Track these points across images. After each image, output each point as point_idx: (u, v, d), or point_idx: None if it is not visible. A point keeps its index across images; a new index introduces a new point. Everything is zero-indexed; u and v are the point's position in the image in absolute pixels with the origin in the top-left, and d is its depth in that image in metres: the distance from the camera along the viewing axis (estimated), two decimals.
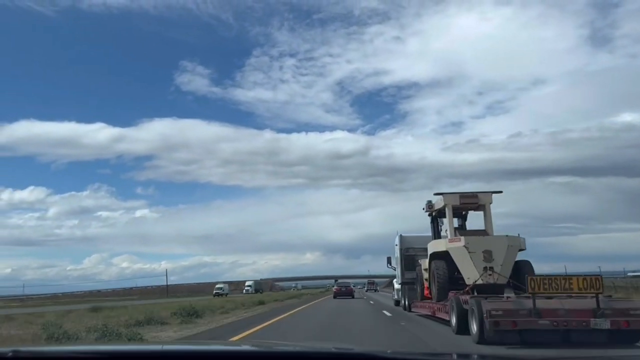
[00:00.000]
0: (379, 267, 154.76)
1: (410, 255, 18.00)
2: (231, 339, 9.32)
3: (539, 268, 13.29)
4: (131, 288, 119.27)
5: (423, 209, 14.51)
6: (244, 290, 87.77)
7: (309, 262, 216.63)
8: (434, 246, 12.77)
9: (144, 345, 3.88)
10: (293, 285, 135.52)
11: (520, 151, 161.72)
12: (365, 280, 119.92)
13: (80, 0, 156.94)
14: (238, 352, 2.21)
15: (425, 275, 14.19)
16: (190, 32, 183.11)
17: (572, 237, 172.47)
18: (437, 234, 14.58)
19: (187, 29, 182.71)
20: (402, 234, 19.01)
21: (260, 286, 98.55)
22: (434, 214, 14.54)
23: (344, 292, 35.84)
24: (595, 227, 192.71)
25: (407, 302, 17.89)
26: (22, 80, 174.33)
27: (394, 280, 23.39)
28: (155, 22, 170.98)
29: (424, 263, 14.36)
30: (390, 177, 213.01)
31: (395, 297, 22.71)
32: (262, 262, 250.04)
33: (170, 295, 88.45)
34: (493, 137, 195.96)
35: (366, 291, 76.65)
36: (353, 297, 35.56)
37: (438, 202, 13.48)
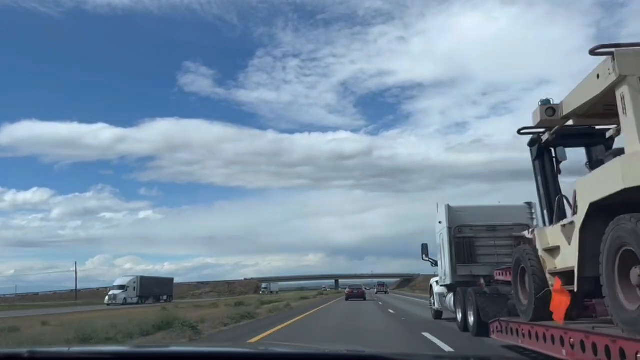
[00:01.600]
0: (382, 268, 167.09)
1: (466, 238, 12.34)
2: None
3: None
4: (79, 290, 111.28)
5: (518, 131, 7.64)
6: (107, 299, 50.49)
7: (312, 264, 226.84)
8: (620, 175, 4.79)
9: (160, 347, 4.03)
10: (263, 286, 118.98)
11: (526, 151, 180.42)
12: (369, 281, 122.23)
13: (85, 2, 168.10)
14: (249, 355, 2.26)
15: (554, 261, 6.43)
16: (194, 33, 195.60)
17: None
18: (548, 179, 7.37)
19: (191, 30, 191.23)
20: (451, 205, 12.70)
21: (160, 289, 59.71)
22: (544, 138, 7.25)
23: (356, 294, 39.68)
24: None
25: (474, 319, 10.22)
26: (24, 81, 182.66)
27: (433, 280, 15.95)
28: (160, 23, 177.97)
29: (545, 235, 6.67)
30: (394, 177, 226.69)
31: (436, 306, 15.49)
32: (265, 263, 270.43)
33: (85, 301, 64.28)
34: (497, 138, 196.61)
35: (376, 293, 74.20)
36: (365, 299, 38.00)
37: (590, 84, 5.73)
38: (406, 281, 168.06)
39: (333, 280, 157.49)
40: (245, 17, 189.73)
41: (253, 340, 10.11)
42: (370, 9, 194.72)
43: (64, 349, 2.66)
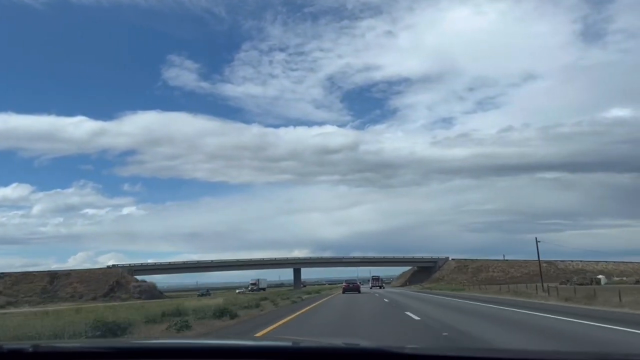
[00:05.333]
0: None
1: None
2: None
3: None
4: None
5: None
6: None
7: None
8: None
9: (162, 340, 4.27)
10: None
11: (511, 146, 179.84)
12: (353, 273, 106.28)
13: None
14: (250, 348, 2.35)
15: None
16: (181, 26, 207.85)
17: (559, 234, 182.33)
18: None
19: (178, 22, 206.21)
20: None
21: None
22: None
23: (352, 288, 45.64)
24: (583, 223, 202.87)
25: None
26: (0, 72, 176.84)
27: None
28: (146, 14, 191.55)
29: None
30: (379, 172, 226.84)
31: None
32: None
33: None
34: (483, 132, 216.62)
35: (370, 288, 68.00)
36: (359, 292, 43.39)
37: None
38: (423, 270, 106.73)
39: (291, 270, 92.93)
40: (234, 10, 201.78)
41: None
42: (359, 2, 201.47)
43: (66, 343, 3.05)
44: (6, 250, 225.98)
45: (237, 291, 70.37)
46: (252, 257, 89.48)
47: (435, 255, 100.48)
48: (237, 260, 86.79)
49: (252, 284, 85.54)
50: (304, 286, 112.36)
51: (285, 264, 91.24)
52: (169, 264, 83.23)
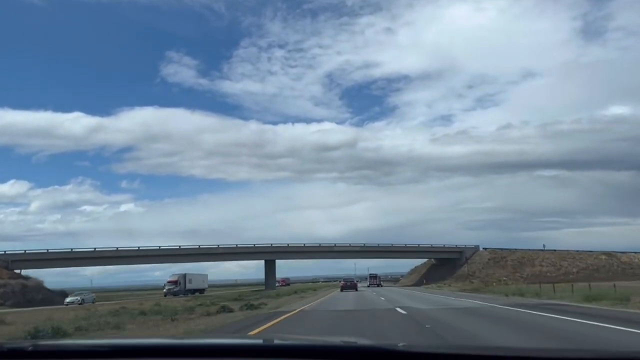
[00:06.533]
0: (372, 262, 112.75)
1: None
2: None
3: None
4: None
5: None
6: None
7: None
8: None
9: (161, 339, 4.43)
10: None
11: (510, 143, 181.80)
12: (350, 269, 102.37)
13: None
14: (246, 346, 2.36)
15: None
16: (180, 22, 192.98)
17: (556, 232, 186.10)
18: None
19: (177, 19, 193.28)
20: None
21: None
22: None
23: (349, 286, 48.01)
24: (580, 221, 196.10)
25: None
26: None
27: None
28: (145, 11, 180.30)
29: None
30: (378, 170, 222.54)
31: None
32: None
33: None
34: (482, 129, 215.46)
35: (368, 286, 65.23)
36: (357, 290, 44.90)
37: None
38: (444, 263, 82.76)
39: (262, 262, 68.74)
40: (234, 6, 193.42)
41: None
42: None
43: (66, 342, 3.08)
44: (3, 247, 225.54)
45: (66, 300, 43.38)
46: (203, 244, 65.20)
47: (461, 244, 75.96)
48: (180, 249, 62.75)
49: (170, 282, 57.65)
50: (287, 284, 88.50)
51: (251, 253, 67.22)
52: (71, 250, 58.59)
